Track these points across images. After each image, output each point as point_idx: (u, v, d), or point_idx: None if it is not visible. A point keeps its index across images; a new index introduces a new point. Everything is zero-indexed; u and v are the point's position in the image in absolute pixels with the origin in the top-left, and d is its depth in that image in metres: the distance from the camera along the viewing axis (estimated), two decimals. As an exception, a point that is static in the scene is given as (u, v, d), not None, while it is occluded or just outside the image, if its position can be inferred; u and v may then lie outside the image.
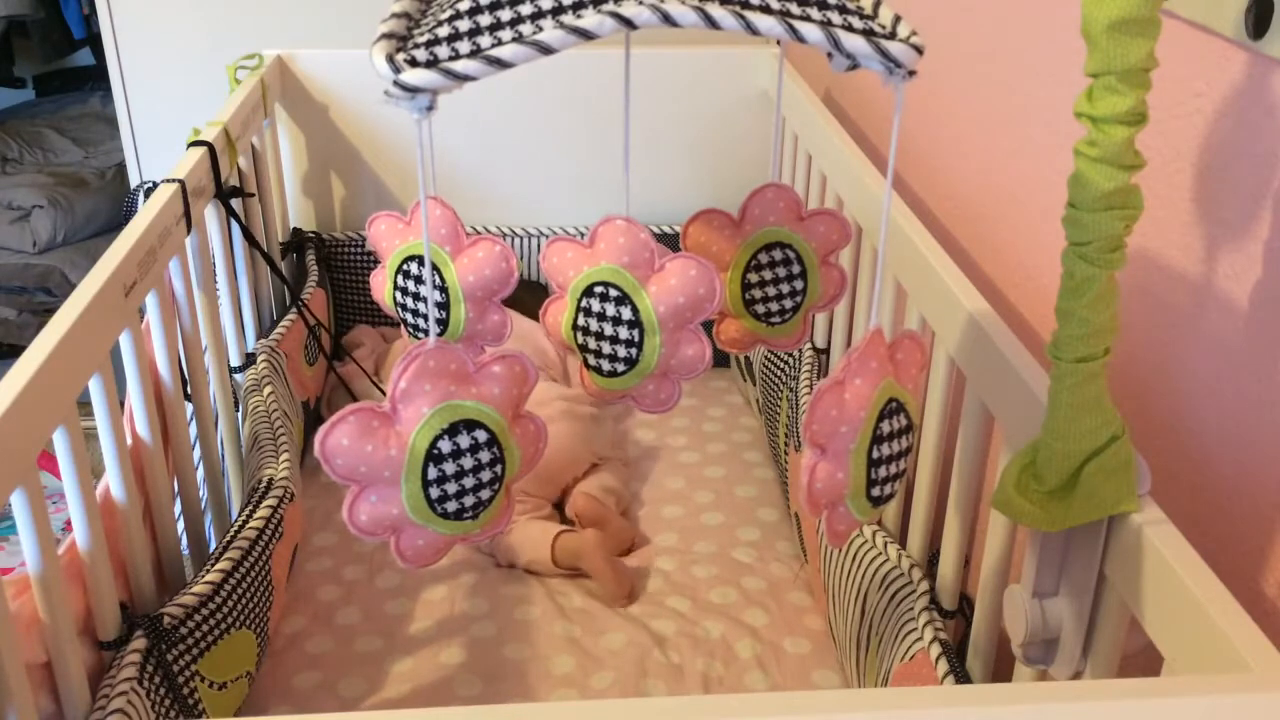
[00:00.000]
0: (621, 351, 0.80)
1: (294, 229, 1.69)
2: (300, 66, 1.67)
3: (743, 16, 0.58)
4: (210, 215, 1.27)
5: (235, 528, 1.10)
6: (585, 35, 0.58)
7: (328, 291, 1.71)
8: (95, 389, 0.92)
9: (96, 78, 3.21)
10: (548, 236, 1.69)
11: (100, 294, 0.92)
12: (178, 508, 1.14)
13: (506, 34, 0.59)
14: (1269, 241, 0.74)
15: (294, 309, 1.51)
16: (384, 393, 1.62)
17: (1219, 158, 0.79)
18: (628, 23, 0.58)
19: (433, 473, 0.69)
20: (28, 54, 2.99)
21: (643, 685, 1.15)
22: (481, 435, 0.70)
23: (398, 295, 0.89)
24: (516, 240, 1.74)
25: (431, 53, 0.59)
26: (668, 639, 1.21)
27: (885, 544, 1.03)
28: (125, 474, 0.96)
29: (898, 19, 0.61)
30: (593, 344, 0.81)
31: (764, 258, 0.89)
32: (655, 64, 1.65)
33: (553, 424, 1.33)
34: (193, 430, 1.21)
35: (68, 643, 0.84)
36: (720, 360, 1.74)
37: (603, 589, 1.27)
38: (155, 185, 1.14)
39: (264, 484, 1.17)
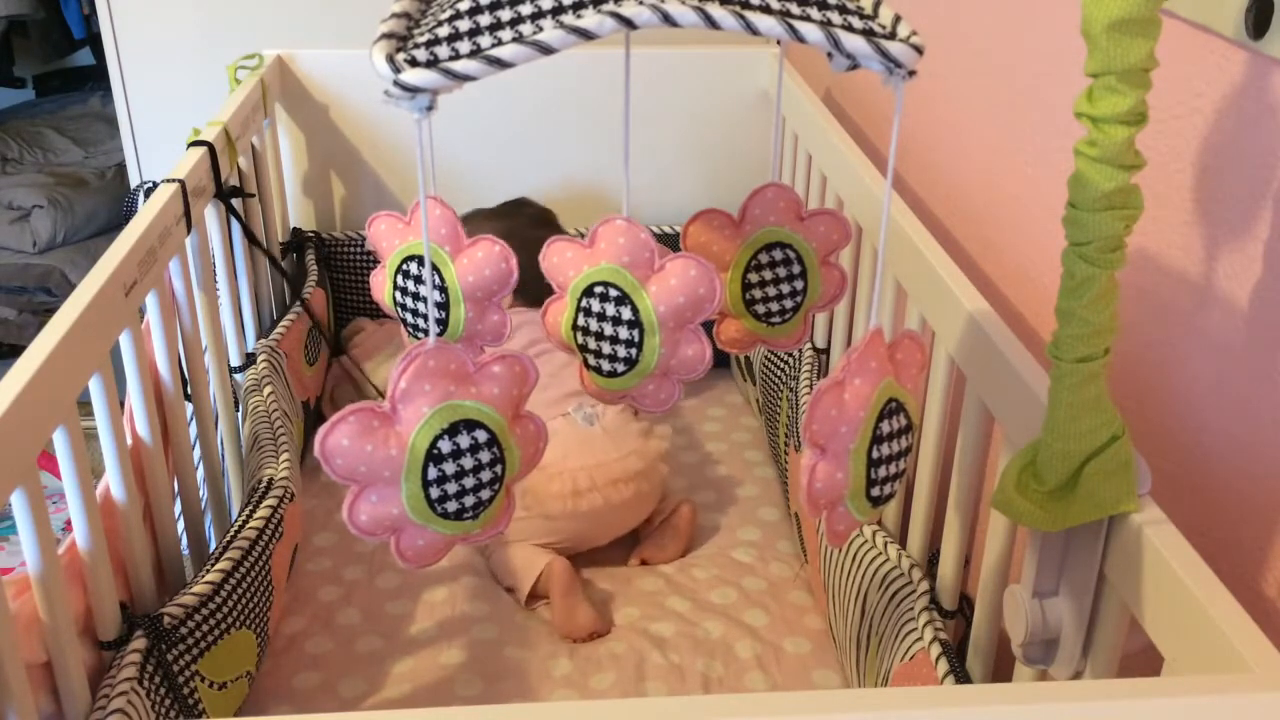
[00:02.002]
0: (621, 351, 0.80)
1: (294, 229, 1.70)
2: (300, 66, 1.67)
3: (743, 16, 0.58)
4: (210, 215, 1.27)
5: (235, 528, 1.10)
6: (585, 35, 0.58)
7: (328, 291, 1.71)
8: (95, 389, 0.92)
9: (96, 78, 3.21)
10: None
11: (100, 294, 0.92)
12: (178, 508, 1.14)
13: (506, 34, 0.59)
14: (1269, 241, 0.74)
15: (296, 306, 1.51)
16: (380, 393, 1.61)
17: (1219, 158, 0.79)
18: (628, 23, 0.58)
19: (433, 473, 0.69)
20: (28, 54, 2.98)
21: (643, 686, 1.15)
22: (481, 435, 0.70)
23: (397, 295, 0.89)
24: (516, 240, 1.73)
25: (431, 53, 0.59)
26: (667, 640, 1.21)
27: (885, 544, 1.03)
28: (125, 474, 0.96)
29: (898, 19, 0.61)
30: (592, 344, 0.81)
31: (764, 258, 0.89)
32: (655, 64, 1.65)
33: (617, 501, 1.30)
34: (193, 430, 1.21)
35: (68, 643, 0.84)
36: (720, 360, 1.74)
37: (553, 618, 1.24)
38: (155, 185, 1.14)
39: (264, 484, 1.17)
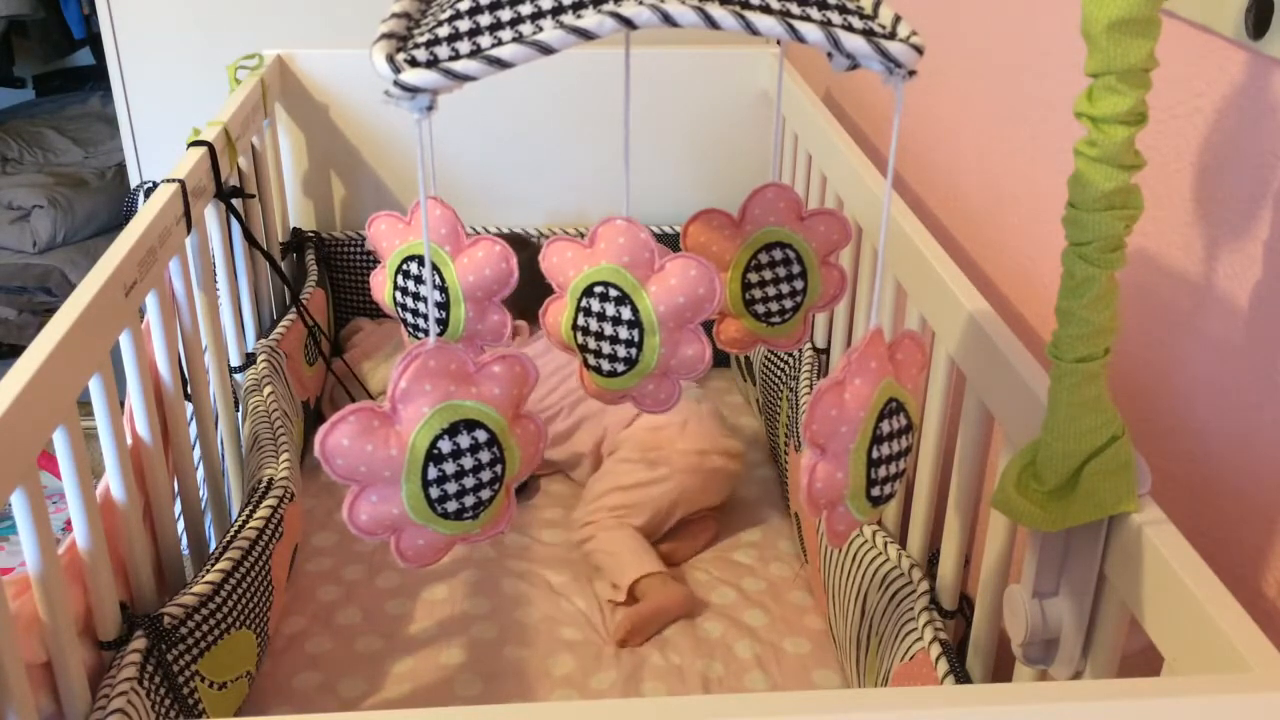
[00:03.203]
0: (621, 351, 0.80)
1: (294, 229, 1.70)
2: (300, 66, 1.67)
3: (743, 16, 0.58)
4: (210, 215, 1.27)
5: (235, 528, 1.10)
6: (585, 35, 0.58)
7: (328, 291, 1.72)
8: (95, 389, 0.92)
9: (96, 78, 3.21)
10: (548, 236, 1.69)
11: (100, 294, 0.92)
12: (178, 508, 1.14)
13: (506, 34, 0.59)
14: (1269, 241, 0.74)
15: (293, 309, 1.51)
16: (369, 396, 1.62)
17: (1219, 158, 0.79)
18: (628, 23, 0.58)
19: (433, 473, 0.69)
20: (28, 54, 2.98)
21: (642, 686, 1.15)
22: (482, 435, 0.70)
23: (397, 295, 0.89)
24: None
25: (431, 53, 0.59)
26: (668, 639, 1.21)
27: (885, 544, 1.03)
28: (125, 474, 0.96)
29: (898, 19, 0.61)
30: (592, 344, 0.81)
31: (764, 258, 0.89)
32: (655, 64, 1.65)
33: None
34: (193, 430, 1.21)
35: (68, 643, 0.84)
36: (720, 360, 1.74)
37: (626, 618, 1.22)
38: (155, 185, 1.14)
39: (264, 484, 1.17)
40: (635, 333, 0.79)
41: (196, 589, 1.00)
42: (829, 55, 0.61)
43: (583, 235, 0.82)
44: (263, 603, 1.10)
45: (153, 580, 1.03)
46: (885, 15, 0.61)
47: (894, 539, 1.05)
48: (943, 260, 0.97)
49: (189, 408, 1.19)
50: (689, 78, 1.69)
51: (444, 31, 0.60)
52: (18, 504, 0.79)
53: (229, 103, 1.42)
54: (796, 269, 0.90)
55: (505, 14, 0.60)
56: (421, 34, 0.61)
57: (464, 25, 0.60)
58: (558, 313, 0.83)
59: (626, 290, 0.78)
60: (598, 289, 0.79)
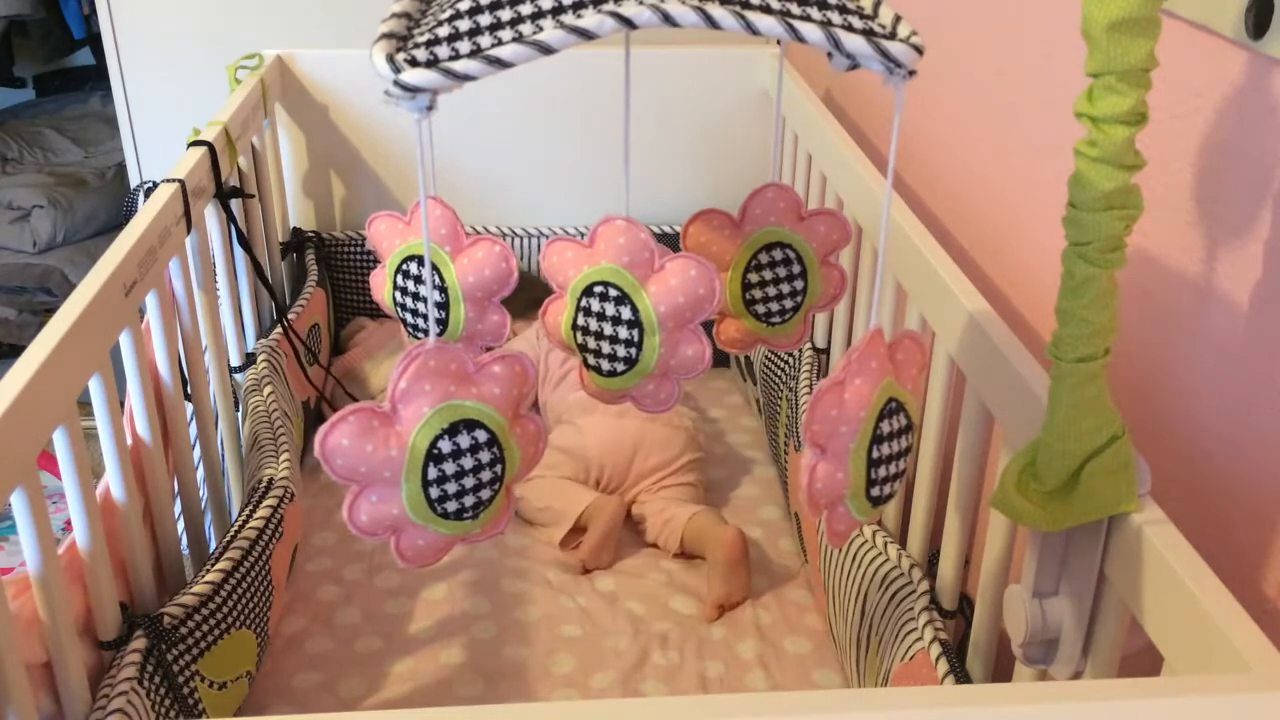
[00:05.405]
0: (621, 351, 0.80)
1: (294, 229, 1.70)
2: (300, 66, 1.67)
3: (743, 16, 0.58)
4: (210, 215, 1.27)
5: (235, 528, 1.10)
6: (585, 35, 0.58)
7: (328, 291, 1.71)
8: (95, 389, 0.92)
9: (96, 78, 3.21)
10: (548, 236, 1.69)
11: (100, 294, 0.92)
12: (178, 508, 1.14)
13: (506, 34, 0.59)
14: (1269, 241, 0.74)
15: (280, 326, 1.47)
16: (353, 397, 1.61)
17: (1219, 158, 0.79)
18: (628, 23, 0.58)
19: (433, 473, 0.69)
20: (28, 54, 2.98)
21: (643, 685, 1.15)
22: (482, 435, 0.70)
23: (397, 295, 0.89)
24: (516, 240, 1.74)
25: (431, 52, 0.59)
26: (668, 638, 1.21)
27: (885, 544, 1.03)
28: (125, 474, 0.96)
29: (898, 19, 0.61)
30: (592, 344, 0.81)
31: (764, 258, 0.89)
32: (655, 64, 1.65)
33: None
34: (193, 430, 1.21)
35: (68, 643, 0.84)
36: (720, 360, 1.74)
37: (584, 548, 1.32)
38: (155, 185, 1.14)
39: (264, 484, 1.17)
40: (635, 333, 0.79)
41: (196, 589, 1.00)
42: (829, 55, 0.61)
43: (583, 235, 0.82)
44: (263, 603, 1.10)
45: (153, 580, 1.03)
46: (885, 15, 0.61)
47: (894, 539, 1.05)
48: (943, 260, 0.97)
49: (189, 408, 1.19)
50: (689, 78, 1.69)
51: (444, 31, 0.60)
52: (18, 504, 0.79)
53: (229, 103, 1.42)
54: (796, 269, 0.90)
55: (505, 14, 0.60)
56: (421, 34, 0.61)
57: (464, 25, 0.60)
58: (558, 312, 0.83)
59: (626, 290, 0.78)
60: (597, 289, 0.79)
